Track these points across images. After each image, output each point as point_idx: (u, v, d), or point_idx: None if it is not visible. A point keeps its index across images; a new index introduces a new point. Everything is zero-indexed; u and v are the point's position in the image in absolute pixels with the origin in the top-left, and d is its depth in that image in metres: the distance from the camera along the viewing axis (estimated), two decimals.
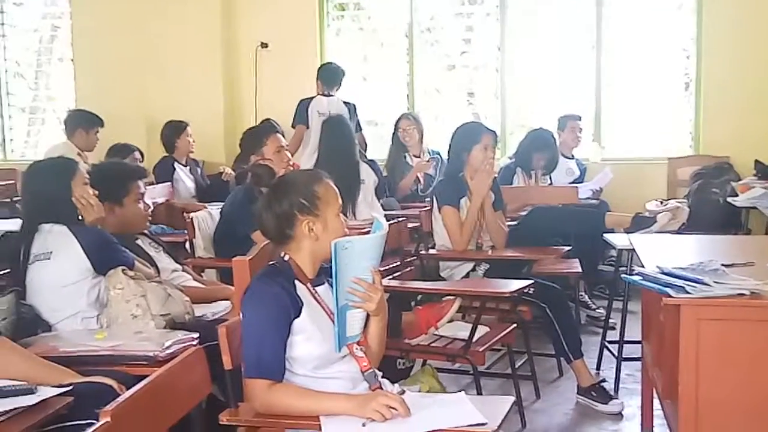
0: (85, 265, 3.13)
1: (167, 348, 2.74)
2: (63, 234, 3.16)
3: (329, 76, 6.62)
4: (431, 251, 4.61)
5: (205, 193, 6.29)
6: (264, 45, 7.30)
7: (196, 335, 2.90)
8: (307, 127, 6.39)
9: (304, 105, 6.47)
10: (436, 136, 7.37)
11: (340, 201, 2.52)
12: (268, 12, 7.32)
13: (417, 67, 7.33)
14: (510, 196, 5.24)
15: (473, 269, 4.48)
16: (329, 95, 6.53)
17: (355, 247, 2.36)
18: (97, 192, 3.30)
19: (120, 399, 1.95)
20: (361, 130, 6.65)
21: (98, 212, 3.28)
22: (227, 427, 2.40)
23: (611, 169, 6.27)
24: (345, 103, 6.54)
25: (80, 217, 3.24)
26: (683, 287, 2.63)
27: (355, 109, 6.61)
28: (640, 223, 4.64)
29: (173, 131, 6.41)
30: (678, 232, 4.57)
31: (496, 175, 4.85)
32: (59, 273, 3.13)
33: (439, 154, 6.78)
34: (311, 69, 7.21)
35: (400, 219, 4.77)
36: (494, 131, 4.68)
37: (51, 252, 3.14)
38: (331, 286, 2.49)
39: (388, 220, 2.75)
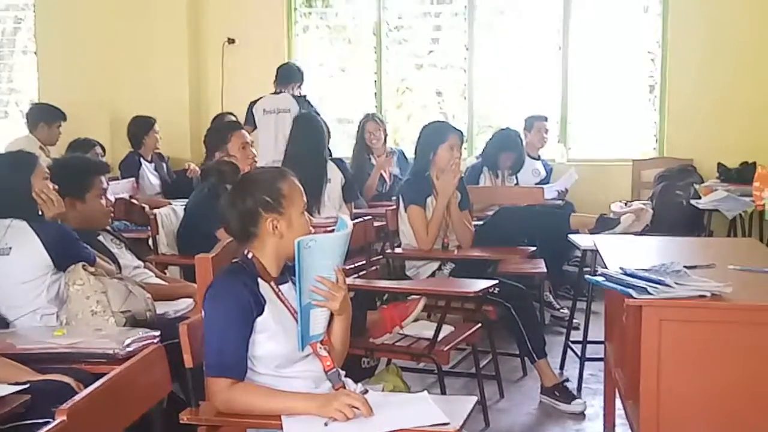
0: (45, 262, 3.08)
1: (127, 346, 2.71)
2: (22, 229, 3.10)
3: (283, 74, 6.56)
4: (397, 250, 4.60)
5: (170, 189, 6.23)
6: (231, 41, 7.24)
7: (157, 333, 2.87)
8: (255, 128, 6.35)
9: (251, 106, 6.47)
10: (406, 135, 7.40)
11: (305, 199, 2.50)
12: (236, 8, 7.26)
13: (385, 65, 7.30)
14: (476, 195, 5.24)
15: (439, 268, 4.47)
16: (279, 92, 6.48)
17: (318, 246, 2.35)
18: (57, 187, 3.25)
19: (76, 397, 1.91)
20: None
21: (58, 207, 3.22)
22: (188, 426, 2.37)
23: (576, 170, 6.31)
24: (297, 97, 6.46)
25: (40, 213, 3.18)
26: (645, 288, 2.65)
27: (309, 103, 6.55)
28: (605, 224, 4.68)
29: (141, 128, 6.35)
30: (641, 233, 4.61)
31: (463, 175, 4.86)
32: (18, 269, 3.07)
33: (402, 151, 6.80)
34: (278, 65, 7.18)
35: (366, 218, 4.76)
36: (461, 131, 4.69)
37: (10, 248, 3.08)
38: (295, 284, 2.48)
39: (354, 219, 2.74)
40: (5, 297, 3.09)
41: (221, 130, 4.73)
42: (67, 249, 3.13)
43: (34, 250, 3.08)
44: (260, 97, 6.45)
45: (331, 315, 2.46)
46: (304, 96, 6.58)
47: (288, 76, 6.54)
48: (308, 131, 5.38)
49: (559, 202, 6.06)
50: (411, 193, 4.53)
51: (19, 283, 3.08)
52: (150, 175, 6.27)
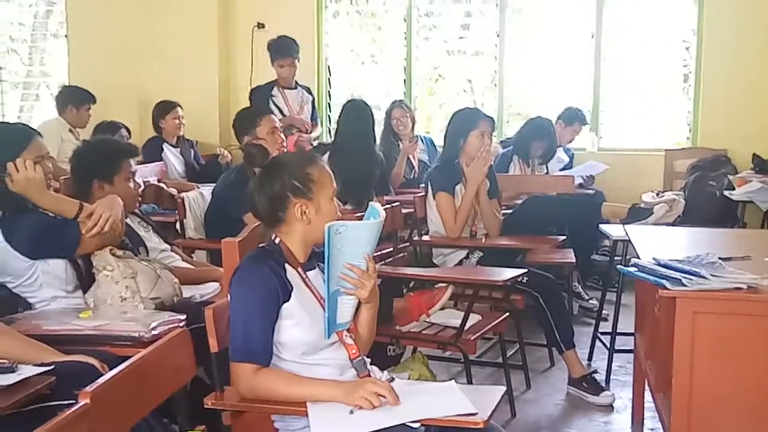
0: (17, 259, 2.96)
1: (153, 329, 2.70)
2: None
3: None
4: (424, 238, 4.57)
5: (200, 174, 6.22)
6: (261, 25, 7.22)
7: (183, 317, 2.85)
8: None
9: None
10: (438, 122, 7.35)
11: (335, 185, 2.47)
12: None
13: (415, 51, 7.25)
14: (506, 183, 5.19)
15: (466, 257, 4.45)
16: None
17: (349, 232, 2.31)
18: (52, 171, 3.08)
19: (100, 380, 1.90)
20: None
21: (25, 184, 2.96)
22: (212, 411, 2.35)
23: (604, 162, 6.27)
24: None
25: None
26: (680, 279, 2.60)
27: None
28: (637, 214, 4.61)
29: (159, 112, 6.38)
30: (674, 224, 4.55)
31: (493, 163, 4.80)
32: (10, 270, 2.99)
33: (431, 139, 6.76)
34: (308, 50, 7.16)
35: (394, 204, 4.73)
36: (492, 118, 4.64)
37: None
38: (323, 271, 2.45)
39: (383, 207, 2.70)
40: (18, 289, 3.03)
41: (251, 113, 4.72)
42: (39, 244, 2.97)
43: (5, 250, 2.94)
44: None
45: (359, 303, 2.43)
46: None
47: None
48: (357, 118, 5.32)
49: (590, 191, 5.99)
50: (440, 180, 4.49)
51: (14, 279, 3.00)
52: (173, 160, 6.26)
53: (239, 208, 4.02)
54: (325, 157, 5.19)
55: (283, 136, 4.65)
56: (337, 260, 2.32)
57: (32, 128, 3.31)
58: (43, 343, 2.55)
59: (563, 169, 6.20)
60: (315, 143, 6.24)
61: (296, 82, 6.44)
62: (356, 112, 5.35)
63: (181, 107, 6.40)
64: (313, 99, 6.59)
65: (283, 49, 6.30)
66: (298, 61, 6.36)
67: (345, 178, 5.07)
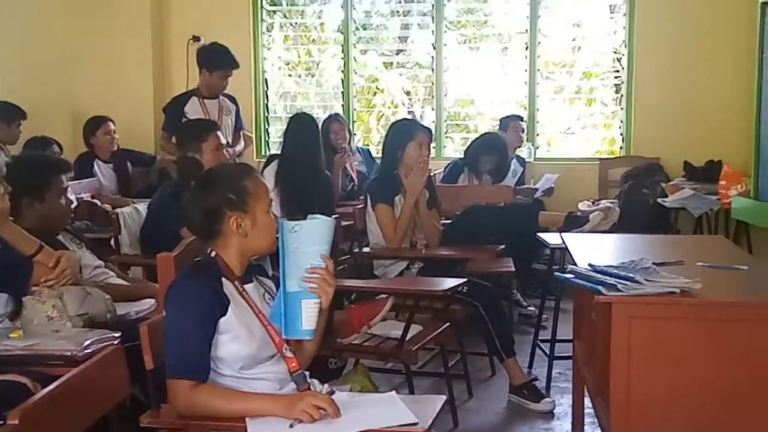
0: None
1: (86, 347, 2.63)
2: None
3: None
4: (365, 249, 4.56)
5: (133, 189, 6.10)
6: (196, 38, 7.14)
7: (118, 334, 2.79)
8: None
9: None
10: (377, 135, 7.37)
11: (271, 197, 2.45)
12: (201, 5, 7.19)
13: (353, 64, 7.26)
14: (447, 194, 5.22)
15: (407, 267, 4.44)
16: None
17: (304, 230, 2.32)
18: (10, 189, 3.03)
19: (31, 400, 1.85)
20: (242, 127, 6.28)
21: None
22: (149, 429, 2.30)
23: (541, 171, 6.37)
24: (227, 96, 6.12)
25: None
26: (615, 285, 2.63)
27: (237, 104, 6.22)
28: (573, 222, 4.68)
29: (89, 128, 6.20)
30: (609, 231, 4.62)
31: (433, 173, 4.83)
32: None
33: (368, 150, 6.78)
34: (245, 63, 7.09)
35: (334, 217, 4.70)
36: (429, 129, 4.67)
37: None
38: (261, 284, 2.44)
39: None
40: None
41: (198, 127, 4.63)
42: None
43: None
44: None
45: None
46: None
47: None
48: (304, 133, 5.27)
49: (526, 199, 6.05)
50: (379, 192, 4.49)
51: None
52: (105, 176, 6.13)
53: (176, 222, 3.95)
54: (272, 168, 5.19)
55: (227, 153, 4.57)
56: (294, 260, 2.32)
57: None
58: None
59: (518, 180, 6.24)
60: (238, 159, 5.99)
61: None
62: (303, 126, 5.32)
63: (112, 121, 6.23)
64: (238, 108, 6.17)
65: (227, 59, 5.88)
66: None
67: (290, 192, 5.09)
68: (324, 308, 2.40)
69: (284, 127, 5.59)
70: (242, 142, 6.26)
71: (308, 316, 2.35)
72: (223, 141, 4.57)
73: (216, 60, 5.87)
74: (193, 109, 5.77)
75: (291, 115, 5.68)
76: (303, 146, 5.20)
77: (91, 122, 6.24)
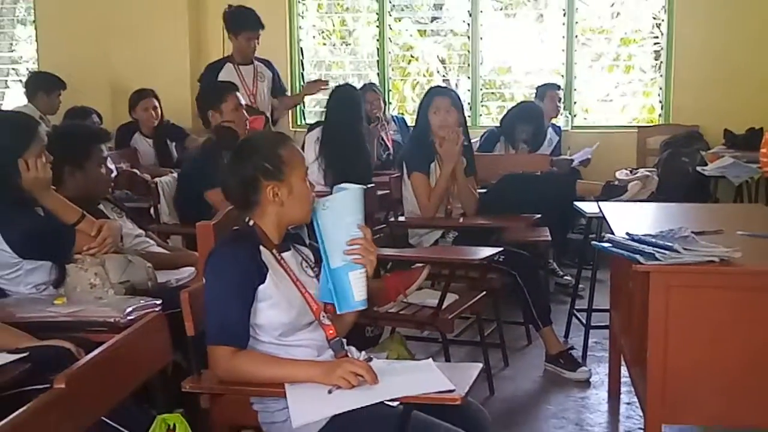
0: (8, 254, 2.96)
1: (128, 314, 2.69)
2: None
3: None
4: (400, 219, 4.57)
5: (176, 163, 6.11)
6: (230, 7, 7.13)
7: (159, 301, 2.84)
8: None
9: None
10: (410, 103, 7.36)
11: (306, 165, 2.46)
12: None
13: (388, 32, 7.22)
14: (485, 163, 5.19)
15: (442, 236, 4.45)
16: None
17: (335, 205, 2.34)
18: (52, 159, 3.09)
19: (76, 365, 1.89)
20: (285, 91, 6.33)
21: (39, 183, 3.02)
22: (190, 395, 2.35)
23: (579, 140, 6.30)
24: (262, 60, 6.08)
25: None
26: (653, 254, 2.62)
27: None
28: (611, 191, 4.63)
29: (132, 101, 6.20)
30: (647, 200, 4.57)
31: (476, 140, 4.78)
32: None
33: (403, 118, 6.77)
34: (281, 33, 7.12)
35: (370, 186, 4.72)
36: (450, 92, 4.60)
37: None
38: (299, 252, 2.45)
39: None
40: None
41: (217, 87, 4.64)
42: (32, 246, 2.97)
43: None
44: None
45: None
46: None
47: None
48: (349, 106, 5.31)
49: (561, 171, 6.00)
50: (414, 160, 4.49)
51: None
52: (143, 148, 6.13)
53: (202, 183, 4.03)
54: (314, 135, 5.24)
55: (246, 114, 4.57)
56: (332, 235, 2.34)
57: (34, 118, 3.28)
58: (16, 329, 2.53)
59: (554, 149, 6.20)
60: (275, 126, 6.02)
61: (253, 57, 6.00)
62: (346, 97, 5.37)
63: (156, 97, 6.23)
64: (276, 73, 6.17)
65: (251, 20, 5.81)
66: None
67: (332, 161, 5.13)
68: (369, 275, 2.42)
69: (325, 97, 5.62)
70: (284, 106, 6.39)
71: (358, 287, 2.37)
72: (243, 102, 4.57)
73: (240, 22, 5.85)
74: (227, 76, 5.71)
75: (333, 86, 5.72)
76: (346, 117, 5.25)
77: (135, 95, 6.22)
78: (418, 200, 4.42)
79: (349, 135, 5.20)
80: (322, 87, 6.18)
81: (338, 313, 2.40)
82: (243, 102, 4.57)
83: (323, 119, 5.50)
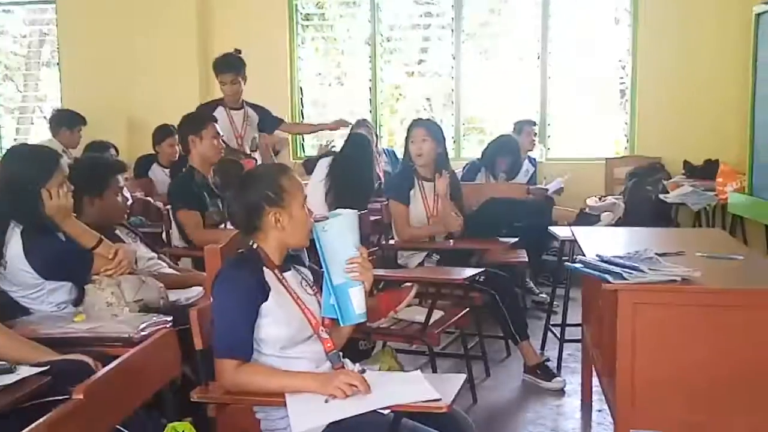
0: (31, 275, 2.95)
1: (142, 330, 2.67)
2: (16, 238, 2.93)
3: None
4: (390, 242, 4.57)
5: None
6: (237, 51, 7.16)
7: (170, 318, 2.82)
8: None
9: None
10: (400, 138, 7.37)
11: (305, 193, 2.46)
12: (241, 20, 7.20)
13: (379, 73, 7.25)
14: (468, 191, 5.18)
15: (427, 257, 4.44)
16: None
17: (334, 227, 2.35)
18: (73, 188, 3.08)
19: (93, 377, 1.87)
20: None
21: (61, 211, 3.01)
22: (198, 404, 2.32)
23: (554, 170, 6.33)
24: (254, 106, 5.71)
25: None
26: (621, 274, 2.63)
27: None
28: (585, 219, 4.68)
29: (157, 136, 6.18)
30: (615, 224, 4.59)
31: (460, 170, 4.78)
32: (14, 277, 2.97)
33: (393, 151, 6.79)
34: (282, 74, 7.15)
35: (363, 212, 4.71)
36: (421, 122, 4.57)
37: (6, 262, 2.95)
38: (299, 272, 2.44)
39: None
40: (19, 297, 3.00)
41: (199, 117, 4.57)
42: (53, 268, 2.97)
43: (19, 263, 2.93)
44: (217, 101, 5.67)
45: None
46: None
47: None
48: (363, 151, 5.34)
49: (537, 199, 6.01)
50: (393, 189, 4.57)
51: (20, 290, 2.98)
52: (157, 179, 6.11)
53: (174, 204, 4.16)
54: (325, 161, 5.25)
55: (222, 142, 4.51)
56: (333, 255, 2.35)
57: (56, 151, 3.28)
58: (39, 344, 2.51)
59: (530, 179, 6.21)
60: (276, 158, 5.93)
61: (243, 102, 5.64)
62: (364, 144, 5.39)
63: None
64: (263, 112, 5.76)
65: (222, 64, 5.57)
66: (243, 81, 5.56)
67: (337, 186, 5.14)
68: (367, 290, 2.41)
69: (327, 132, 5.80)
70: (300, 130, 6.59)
71: (358, 302, 2.38)
72: (221, 133, 4.45)
73: (217, 67, 5.64)
74: (220, 117, 5.40)
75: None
76: (361, 150, 5.28)
77: (160, 131, 6.17)
78: (395, 225, 4.44)
79: (359, 166, 5.23)
80: (343, 125, 6.12)
81: (342, 325, 2.40)
82: (221, 133, 4.49)
83: (340, 150, 5.51)
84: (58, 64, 7.57)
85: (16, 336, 2.53)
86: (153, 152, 6.26)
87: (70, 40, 7.38)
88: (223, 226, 4.14)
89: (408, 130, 4.53)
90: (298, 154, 7.35)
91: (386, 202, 4.73)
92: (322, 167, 5.31)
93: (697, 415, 2.68)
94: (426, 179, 4.48)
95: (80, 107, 6.47)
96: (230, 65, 5.54)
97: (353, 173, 5.22)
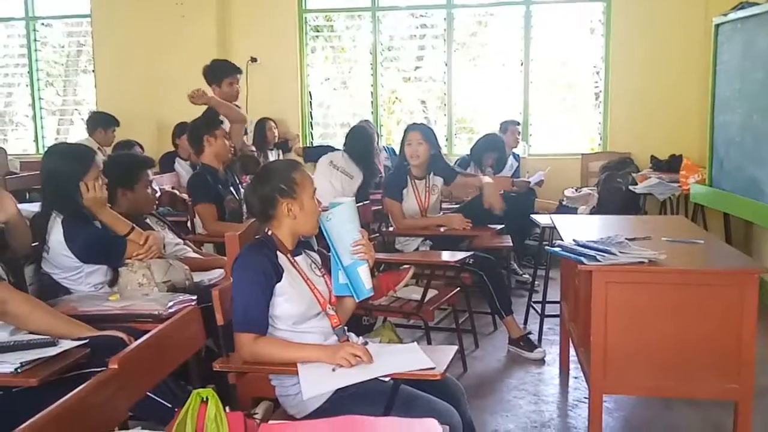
0: (71, 259, 2.95)
1: (170, 307, 2.68)
2: (57, 226, 2.94)
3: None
4: (390, 229, 4.57)
5: None
6: (254, 59, 7.15)
7: (195, 297, 2.83)
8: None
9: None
10: (397, 137, 7.36)
11: (315, 185, 2.46)
12: (257, 31, 7.16)
13: (380, 79, 7.23)
14: (458, 183, 5.17)
15: (423, 242, 4.44)
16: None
17: (336, 216, 2.38)
18: (107, 181, 3.10)
19: (126, 349, 1.88)
20: None
21: (97, 202, 3.03)
22: (220, 373, 2.33)
23: (534, 164, 6.32)
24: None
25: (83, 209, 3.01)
26: (595, 256, 2.63)
27: None
28: (564, 211, 4.66)
29: (176, 131, 6.20)
30: (590, 213, 4.58)
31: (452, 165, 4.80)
32: (56, 262, 2.97)
33: (392, 149, 6.78)
34: (293, 79, 7.13)
35: (365, 203, 4.72)
36: (417, 126, 4.54)
37: (49, 247, 2.96)
38: (308, 255, 2.45)
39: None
40: (60, 279, 3.01)
41: (213, 119, 4.55)
42: (91, 253, 2.96)
43: (60, 248, 2.93)
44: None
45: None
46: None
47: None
48: (365, 142, 5.38)
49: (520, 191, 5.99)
50: (388, 187, 4.55)
51: (62, 272, 2.99)
52: (182, 172, 6.09)
53: (193, 198, 4.20)
54: (326, 159, 5.26)
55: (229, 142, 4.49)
56: (340, 240, 2.37)
57: (92, 149, 3.28)
58: (79, 321, 2.52)
59: (514, 173, 6.18)
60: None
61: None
62: (365, 135, 5.41)
63: None
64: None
65: (233, 66, 5.23)
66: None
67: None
68: (371, 267, 2.44)
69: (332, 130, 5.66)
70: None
71: (366, 278, 2.41)
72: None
73: (229, 69, 5.28)
74: None
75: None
76: (361, 153, 5.31)
77: (178, 127, 6.16)
78: (392, 218, 4.44)
79: (362, 158, 5.31)
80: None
81: (357, 300, 2.44)
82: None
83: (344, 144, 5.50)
84: (93, 71, 7.54)
85: (59, 314, 2.54)
86: (173, 148, 6.25)
87: (104, 51, 7.34)
88: (244, 211, 4.15)
89: (404, 133, 4.50)
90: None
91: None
92: (324, 164, 5.27)
93: (662, 381, 2.69)
94: (418, 178, 4.47)
95: (113, 110, 6.45)
96: (236, 67, 5.30)
97: (359, 160, 5.26)
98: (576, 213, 4.62)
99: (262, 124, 6.63)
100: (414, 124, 4.66)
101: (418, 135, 4.42)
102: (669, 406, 3.32)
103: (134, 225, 3.11)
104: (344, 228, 2.37)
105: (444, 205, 5.05)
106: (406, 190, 4.43)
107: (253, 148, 4.50)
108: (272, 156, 6.59)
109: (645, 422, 3.22)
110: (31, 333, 2.39)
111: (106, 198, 3.08)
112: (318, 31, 7.43)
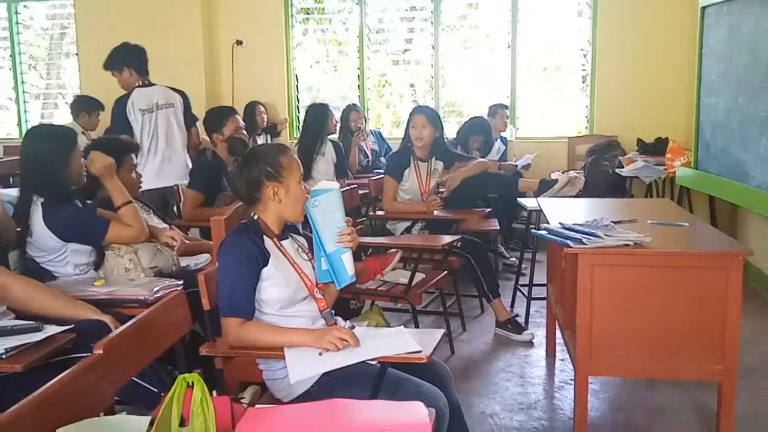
0: (53, 240, 2.93)
1: (155, 292, 2.66)
2: (37, 209, 2.92)
3: (141, 58, 4.86)
4: (378, 213, 4.57)
5: None
6: (239, 42, 7.09)
7: (181, 282, 2.82)
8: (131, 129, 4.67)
9: (120, 105, 4.76)
10: (386, 120, 7.36)
11: (302, 170, 2.44)
12: (243, 13, 7.10)
13: (367, 62, 7.19)
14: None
15: (412, 225, 4.44)
16: (150, 84, 4.86)
17: (322, 202, 2.37)
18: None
19: (112, 334, 1.87)
20: (196, 120, 4.98)
21: (109, 168, 3.14)
22: (207, 357, 2.33)
23: (522, 147, 6.31)
24: (174, 90, 4.95)
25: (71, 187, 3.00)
26: (580, 239, 2.63)
27: (186, 98, 4.97)
28: (545, 185, 4.68)
29: None
30: (576, 196, 4.59)
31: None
32: (40, 245, 2.95)
33: (380, 132, 6.76)
34: (279, 63, 7.08)
35: (353, 186, 4.71)
36: (421, 108, 4.54)
37: (32, 231, 2.93)
38: (294, 239, 2.44)
39: (342, 189, 2.71)
40: (45, 263, 2.99)
41: (220, 114, 4.53)
42: (71, 231, 2.94)
43: (42, 230, 2.92)
44: (126, 95, 4.80)
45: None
46: (184, 93, 5.01)
47: (144, 59, 4.88)
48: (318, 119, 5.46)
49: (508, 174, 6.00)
50: (390, 166, 4.53)
51: (47, 255, 2.97)
52: None
53: (191, 181, 4.26)
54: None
55: (245, 133, 4.49)
56: (324, 227, 2.36)
57: (73, 129, 3.29)
58: (78, 300, 2.51)
59: (501, 156, 6.18)
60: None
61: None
62: (319, 111, 5.48)
63: None
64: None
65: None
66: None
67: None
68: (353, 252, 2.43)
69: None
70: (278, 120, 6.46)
71: (349, 265, 2.40)
72: (241, 124, 4.44)
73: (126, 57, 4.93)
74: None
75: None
76: (313, 118, 5.47)
77: None
78: (384, 196, 4.44)
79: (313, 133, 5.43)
80: None
81: (338, 288, 2.43)
82: (241, 125, 4.45)
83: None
84: (77, 54, 7.45)
85: (59, 293, 2.53)
86: None
87: (87, 34, 7.26)
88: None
89: (410, 115, 4.49)
90: (294, 135, 7.29)
91: (374, 178, 4.72)
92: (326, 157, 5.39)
93: (647, 363, 2.71)
94: (422, 160, 4.46)
95: (97, 94, 6.38)
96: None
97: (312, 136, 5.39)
98: (555, 183, 4.62)
99: (251, 108, 6.60)
100: (419, 106, 4.67)
101: (423, 118, 4.43)
102: (654, 388, 3.35)
103: (132, 200, 3.13)
104: (330, 216, 2.36)
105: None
106: (408, 170, 4.43)
107: (245, 132, 4.44)
108: (260, 141, 6.55)
109: (630, 404, 3.25)
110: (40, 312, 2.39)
111: (114, 165, 3.14)
112: (308, 13, 7.37)
